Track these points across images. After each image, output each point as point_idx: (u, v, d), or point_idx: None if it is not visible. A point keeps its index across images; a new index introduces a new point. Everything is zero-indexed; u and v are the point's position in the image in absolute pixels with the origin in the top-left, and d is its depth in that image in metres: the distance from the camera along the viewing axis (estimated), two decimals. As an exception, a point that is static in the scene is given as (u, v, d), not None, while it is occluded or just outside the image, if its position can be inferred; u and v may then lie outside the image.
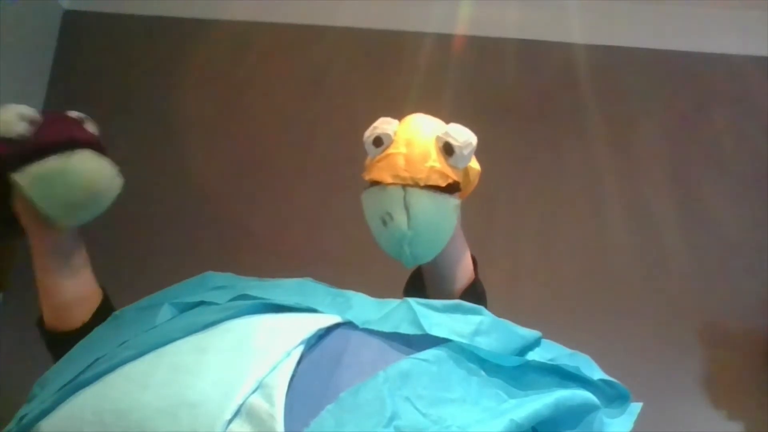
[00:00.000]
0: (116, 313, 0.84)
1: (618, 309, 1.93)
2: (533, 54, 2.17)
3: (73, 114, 0.93)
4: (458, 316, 0.73)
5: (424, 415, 0.61)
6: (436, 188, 0.81)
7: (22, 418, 0.70)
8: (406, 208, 0.80)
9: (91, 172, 0.86)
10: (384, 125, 0.86)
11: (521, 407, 0.63)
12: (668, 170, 2.05)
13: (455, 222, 0.85)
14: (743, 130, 2.09)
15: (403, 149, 0.82)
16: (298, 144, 2.14)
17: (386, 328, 0.72)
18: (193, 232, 2.03)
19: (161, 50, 2.24)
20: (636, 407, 0.76)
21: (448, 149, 0.81)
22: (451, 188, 0.83)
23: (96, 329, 0.82)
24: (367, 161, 0.88)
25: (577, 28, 2.14)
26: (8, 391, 1.76)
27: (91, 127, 0.93)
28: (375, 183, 0.85)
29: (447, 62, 2.14)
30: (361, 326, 0.72)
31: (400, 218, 0.80)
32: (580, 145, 2.08)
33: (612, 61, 2.16)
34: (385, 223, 0.82)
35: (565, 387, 0.70)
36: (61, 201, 0.85)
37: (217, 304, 0.78)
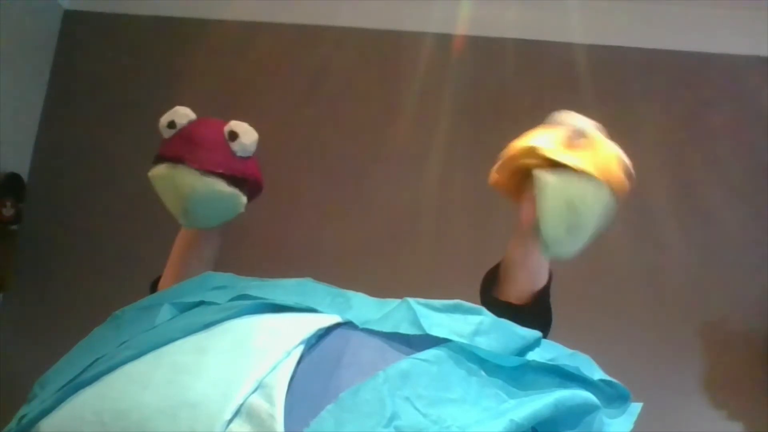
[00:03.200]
0: (116, 313, 0.84)
1: (618, 309, 1.93)
2: (533, 54, 2.17)
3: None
4: (458, 316, 0.73)
5: (423, 415, 0.61)
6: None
7: (22, 418, 0.70)
8: (585, 198, 0.89)
9: (182, 188, 0.93)
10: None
11: (521, 407, 0.63)
12: (668, 170, 2.05)
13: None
14: (743, 130, 2.09)
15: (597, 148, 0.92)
16: (297, 143, 2.14)
17: (386, 328, 0.72)
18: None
19: (161, 50, 2.24)
20: (636, 407, 0.76)
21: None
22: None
23: (96, 329, 0.82)
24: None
25: (577, 28, 2.14)
26: (8, 391, 1.76)
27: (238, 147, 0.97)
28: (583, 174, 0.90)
29: (447, 62, 2.14)
30: (361, 326, 0.72)
31: (583, 207, 0.89)
32: (580, 145, 2.08)
33: (612, 61, 2.16)
34: (575, 210, 0.88)
35: (565, 387, 0.69)
36: (167, 203, 0.98)
37: (217, 304, 0.78)
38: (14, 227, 2.10)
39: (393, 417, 0.59)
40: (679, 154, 2.07)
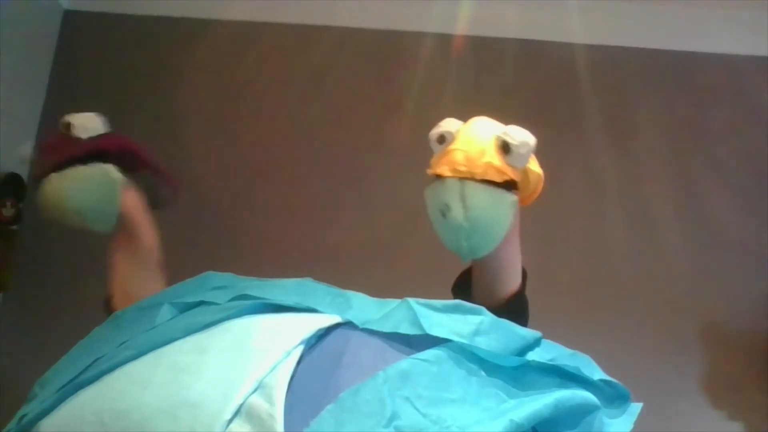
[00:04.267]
0: (116, 313, 0.84)
1: (618, 309, 1.93)
2: (533, 54, 2.17)
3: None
4: (458, 316, 0.73)
5: (423, 415, 0.61)
6: (492, 183, 0.84)
7: (22, 418, 0.70)
8: (463, 200, 0.83)
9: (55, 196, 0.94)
10: (447, 124, 0.89)
11: (521, 407, 0.63)
12: (668, 170, 2.05)
13: (511, 218, 0.86)
14: (743, 130, 2.09)
15: (463, 146, 0.85)
16: (298, 144, 2.14)
17: (386, 328, 0.72)
18: (193, 232, 2.03)
19: (161, 50, 2.24)
20: (636, 407, 0.76)
21: (505, 148, 0.84)
22: (508, 185, 0.85)
23: (96, 329, 0.82)
24: (432, 159, 0.90)
25: (577, 28, 2.14)
26: (8, 391, 1.76)
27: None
28: (437, 177, 0.87)
29: (447, 62, 2.14)
30: (360, 326, 0.72)
31: (457, 209, 0.83)
32: (580, 145, 2.08)
33: (612, 61, 2.16)
34: (443, 215, 0.85)
35: (565, 387, 0.69)
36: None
37: (217, 304, 0.78)
38: (14, 227, 2.11)
39: (393, 417, 0.59)
40: (679, 154, 2.07)
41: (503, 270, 0.92)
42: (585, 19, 2.14)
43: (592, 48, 2.15)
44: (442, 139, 0.88)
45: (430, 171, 0.88)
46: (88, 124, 0.96)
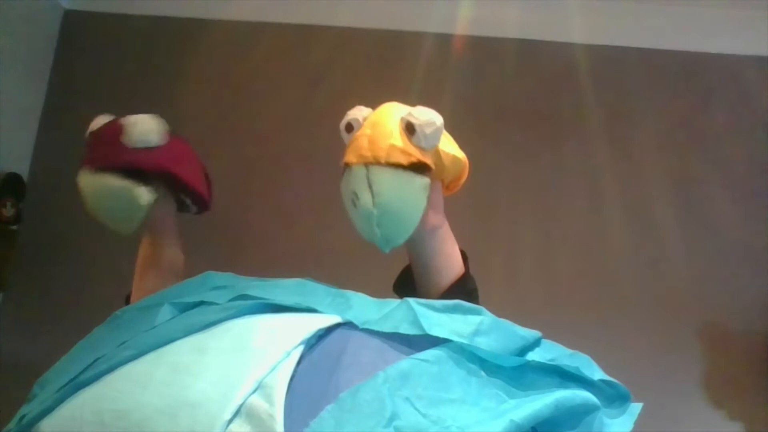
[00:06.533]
0: (116, 313, 0.84)
1: (618, 309, 1.93)
2: (533, 54, 2.17)
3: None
4: (458, 317, 0.73)
5: (423, 415, 0.61)
6: (399, 167, 0.80)
7: (22, 418, 0.70)
8: (370, 186, 0.80)
9: (83, 192, 0.93)
10: (355, 112, 0.87)
11: (521, 407, 0.63)
12: (668, 170, 2.05)
13: (424, 201, 0.83)
14: (743, 130, 2.09)
15: (368, 131, 0.83)
16: (297, 144, 2.14)
17: (386, 328, 0.72)
18: (193, 232, 2.03)
19: (161, 50, 2.24)
20: (636, 407, 0.76)
21: (410, 128, 0.81)
22: (418, 168, 0.82)
23: (96, 329, 0.82)
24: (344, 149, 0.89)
25: (577, 28, 2.14)
26: (8, 391, 1.76)
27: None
28: (346, 166, 0.85)
29: (447, 62, 2.14)
30: (360, 326, 0.72)
31: (365, 197, 0.80)
32: (580, 145, 2.08)
33: (612, 61, 2.16)
34: (354, 203, 0.82)
35: (565, 387, 0.69)
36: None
37: (217, 304, 0.78)
38: (14, 227, 2.11)
39: (393, 417, 0.59)
40: (679, 154, 2.07)
41: (437, 257, 0.90)
42: (585, 19, 2.14)
43: (592, 48, 2.15)
44: (350, 127, 0.86)
45: (341, 162, 0.85)
46: (142, 133, 0.92)
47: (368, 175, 0.80)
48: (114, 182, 0.92)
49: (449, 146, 0.88)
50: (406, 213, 0.82)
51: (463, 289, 0.90)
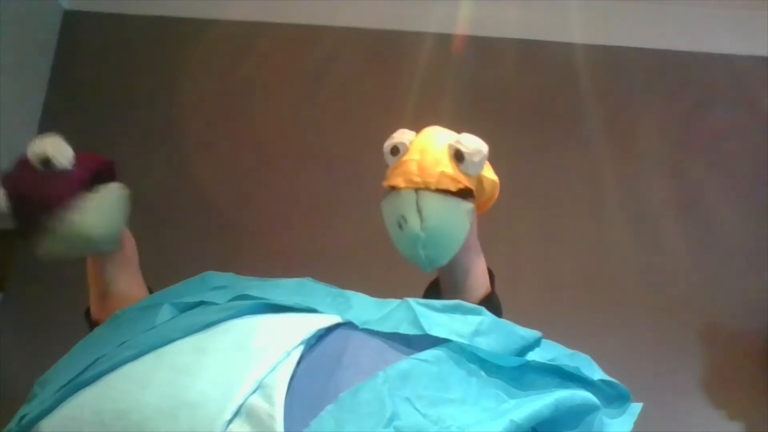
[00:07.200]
0: (116, 313, 0.84)
1: (618, 309, 1.93)
2: (533, 54, 2.17)
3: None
4: (458, 317, 0.74)
5: (423, 415, 0.61)
6: (447, 192, 0.84)
7: (22, 418, 0.70)
8: (419, 210, 0.83)
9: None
10: (400, 135, 0.90)
11: (521, 407, 0.63)
12: (668, 170, 2.05)
13: (468, 226, 0.87)
14: (743, 130, 2.09)
15: (416, 156, 0.85)
16: (297, 144, 2.14)
17: (386, 328, 0.72)
18: (193, 231, 2.03)
19: (161, 50, 2.24)
20: (636, 407, 0.76)
21: (458, 156, 0.85)
22: (463, 194, 0.85)
23: (96, 329, 0.82)
24: (387, 171, 0.90)
25: (577, 28, 2.14)
26: (8, 391, 1.76)
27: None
28: (392, 189, 0.87)
29: (447, 62, 2.14)
30: (360, 326, 0.72)
31: (413, 220, 0.83)
32: (580, 145, 2.08)
33: (612, 61, 2.15)
34: (400, 226, 0.85)
35: (565, 387, 0.70)
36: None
37: (217, 304, 0.78)
38: (14, 227, 2.10)
39: (393, 417, 0.59)
40: (679, 154, 2.07)
41: (467, 276, 0.92)
42: (585, 19, 2.14)
43: (592, 48, 2.14)
44: (395, 150, 0.88)
45: (385, 183, 0.88)
46: (63, 150, 0.87)
47: (417, 199, 0.83)
48: (101, 197, 0.90)
49: (488, 171, 0.91)
50: (451, 237, 0.85)
51: (489, 306, 0.92)
